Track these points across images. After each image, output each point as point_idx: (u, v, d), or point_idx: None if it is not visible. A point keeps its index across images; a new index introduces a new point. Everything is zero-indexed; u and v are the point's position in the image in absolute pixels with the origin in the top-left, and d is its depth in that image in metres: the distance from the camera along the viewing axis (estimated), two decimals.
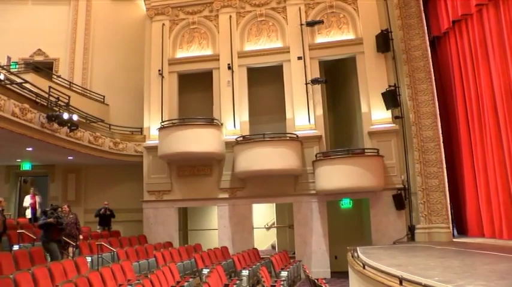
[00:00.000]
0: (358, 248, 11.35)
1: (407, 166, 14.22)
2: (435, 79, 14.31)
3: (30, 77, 14.20)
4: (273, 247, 17.69)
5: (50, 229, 10.61)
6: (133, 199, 16.45)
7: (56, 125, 12.77)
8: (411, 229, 13.88)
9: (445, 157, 13.85)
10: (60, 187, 17.94)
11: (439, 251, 10.49)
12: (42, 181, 18.22)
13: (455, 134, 14.10)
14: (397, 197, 14.06)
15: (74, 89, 17.36)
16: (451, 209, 13.58)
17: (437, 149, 13.86)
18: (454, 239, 13.15)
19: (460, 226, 14.01)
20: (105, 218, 15.37)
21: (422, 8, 14.70)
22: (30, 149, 13.72)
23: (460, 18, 13.47)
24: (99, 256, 11.63)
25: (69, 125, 12.95)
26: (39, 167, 17.45)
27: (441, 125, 14.01)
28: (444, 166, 13.75)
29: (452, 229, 13.58)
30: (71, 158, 15.84)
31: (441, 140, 13.89)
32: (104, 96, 18.50)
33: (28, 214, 15.26)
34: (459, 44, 13.77)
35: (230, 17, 16.36)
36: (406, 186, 14.12)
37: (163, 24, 16.72)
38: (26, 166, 16.48)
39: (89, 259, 10.89)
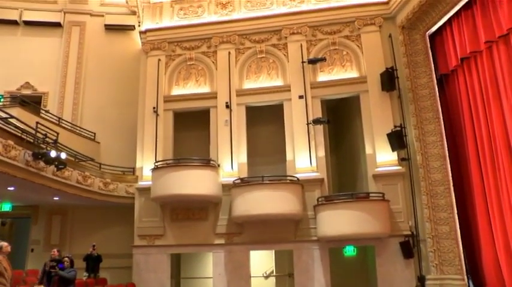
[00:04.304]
0: None
1: (415, 211, 13.48)
2: (443, 119, 13.80)
3: (16, 111, 13.65)
4: None
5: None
6: (122, 244, 15.66)
7: (42, 164, 12.19)
8: (421, 280, 12.96)
9: (456, 202, 13.14)
10: (43, 230, 16.94)
11: None
12: (24, 222, 17.25)
13: (467, 177, 13.30)
14: (404, 244, 13.24)
15: (63, 125, 16.78)
16: (464, 258, 12.74)
17: (447, 193, 13.19)
18: None
19: (477, 277, 12.96)
20: (92, 262, 14.45)
21: (428, 45, 14.31)
22: (12, 188, 12.99)
23: (468, 55, 12.97)
24: None
25: (56, 163, 12.37)
26: (20, 208, 16.50)
27: (451, 167, 13.40)
28: (455, 211, 13.04)
29: (468, 281, 12.66)
30: (57, 198, 15.10)
31: (451, 184, 13.26)
32: (94, 134, 17.88)
33: None
34: (468, 83, 13.20)
35: (229, 53, 15.94)
36: (414, 233, 13.33)
37: (159, 60, 16.26)
38: (6, 207, 15.52)
39: None
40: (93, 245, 14.61)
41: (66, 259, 10.59)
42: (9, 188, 13.05)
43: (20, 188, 13.08)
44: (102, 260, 14.65)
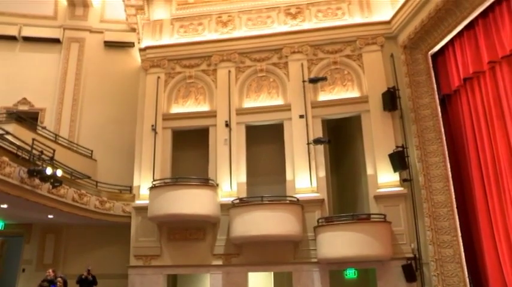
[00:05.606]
0: None
1: (418, 233, 13.20)
2: (446, 140, 13.57)
3: (12, 127, 13.66)
4: None
5: None
6: (118, 264, 15.35)
7: (37, 181, 12.04)
8: None
9: (460, 224, 12.81)
10: (36, 249, 16.64)
11: None
12: (16, 241, 16.95)
13: (470, 198, 13.04)
14: (407, 267, 12.91)
15: (59, 142, 16.66)
16: (470, 283, 12.37)
17: (450, 215, 12.86)
18: None
19: None
20: (86, 284, 14.08)
21: (431, 65, 14.16)
22: (4, 206, 12.82)
23: (471, 75, 12.82)
24: None
25: (52, 181, 12.27)
26: (13, 226, 16.23)
27: (454, 189, 13.09)
28: (459, 233, 12.69)
29: None
30: (51, 216, 14.86)
31: (454, 205, 12.94)
32: (91, 151, 17.77)
33: None
34: (471, 103, 13.04)
35: (229, 71, 15.82)
36: (417, 255, 13.02)
37: (159, 77, 16.12)
38: None
39: None
40: (88, 270, 14.21)
41: (59, 279, 10.35)
42: (1, 206, 12.86)
43: (13, 206, 12.89)
44: (97, 282, 14.30)
